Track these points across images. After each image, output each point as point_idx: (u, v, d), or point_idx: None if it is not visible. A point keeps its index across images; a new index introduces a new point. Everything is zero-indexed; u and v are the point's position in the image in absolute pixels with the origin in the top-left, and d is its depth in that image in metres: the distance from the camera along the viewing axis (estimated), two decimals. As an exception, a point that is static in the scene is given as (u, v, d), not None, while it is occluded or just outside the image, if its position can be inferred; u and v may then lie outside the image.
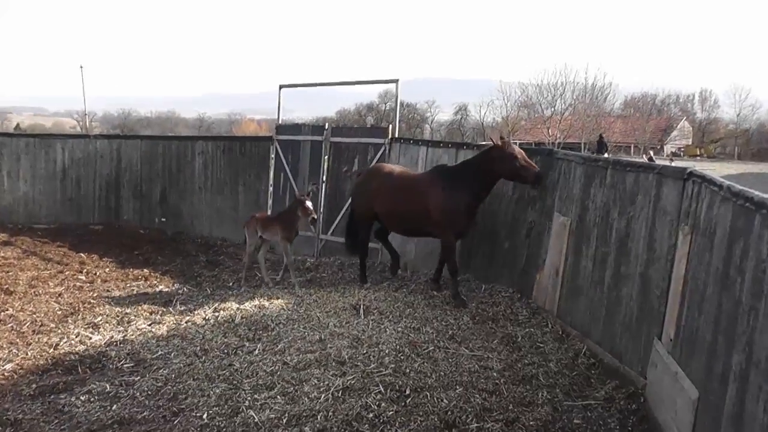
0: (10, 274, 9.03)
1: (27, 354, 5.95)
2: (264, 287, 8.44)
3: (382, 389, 4.80)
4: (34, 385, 5.20)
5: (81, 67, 44.11)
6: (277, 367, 5.30)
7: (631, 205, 5.17)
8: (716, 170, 27.84)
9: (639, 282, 4.93)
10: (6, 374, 5.46)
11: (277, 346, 5.83)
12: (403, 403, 4.61)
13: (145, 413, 4.62)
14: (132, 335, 6.42)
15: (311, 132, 11.42)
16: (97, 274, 9.37)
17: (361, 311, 6.77)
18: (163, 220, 13.41)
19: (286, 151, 11.61)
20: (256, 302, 7.37)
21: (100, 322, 6.89)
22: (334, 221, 10.66)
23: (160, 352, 5.86)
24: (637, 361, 4.86)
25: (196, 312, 7.13)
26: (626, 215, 5.23)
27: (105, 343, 6.21)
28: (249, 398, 4.73)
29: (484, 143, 11.02)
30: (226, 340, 6.08)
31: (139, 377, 5.29)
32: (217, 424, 4.40)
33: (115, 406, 4.75)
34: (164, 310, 7.33)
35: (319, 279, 9.12)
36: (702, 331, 3.62)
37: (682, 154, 59.90)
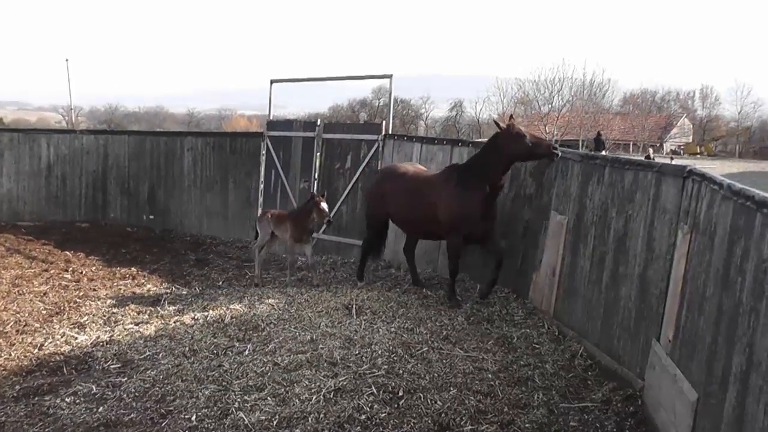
0: (-6, 272, 8.88)
1: (10, 355, 5.86)
2: (253, 287, 8.35)
3: (374, 391, 4.76)
4: (17, 387, 5.13)
5: (66, 60, 43.64)
6: (267, 368, 5.24)
7: (629, 203, 5.11)
8: (717, 169, 27.97)
9: (637, 282, 4.88)
10: (-12, 375, 5.36)
11: (268, 347, 5.77)
12: (396, 405, 4.57)
13: (132, 415, 4.56)
14: (119, 335, 6.34)
15: (303, 128, 11.34)
16: (84, 272, 9.26)
17: (354, 311, 6.70)
18: (151, 217, 13.27)
19: (277, 147, 11.49)
20: (246, 302, 7.29)
21: (86, 322, 6.81)
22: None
23: (147, 353, 5.78)
24: (635, 363, 4.82)
25: (184, 312, 7.05)
26: (625, 214, 5.17)
27: (91, 344, 6.13)
28: (239, 400, 4.68)
29: (480, 140, 10.94)
30: (215, 340, 6.01)
31: (126, 378, 5.22)
32: (206, 426, 4.35)
33: (101, 408, 4.68)
34: (152, 309, 7.24)
35: (311, 278, 9.03)
36: (702, 332, 3.58)
37: (682, 152, 59.63)
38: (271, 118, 12.37)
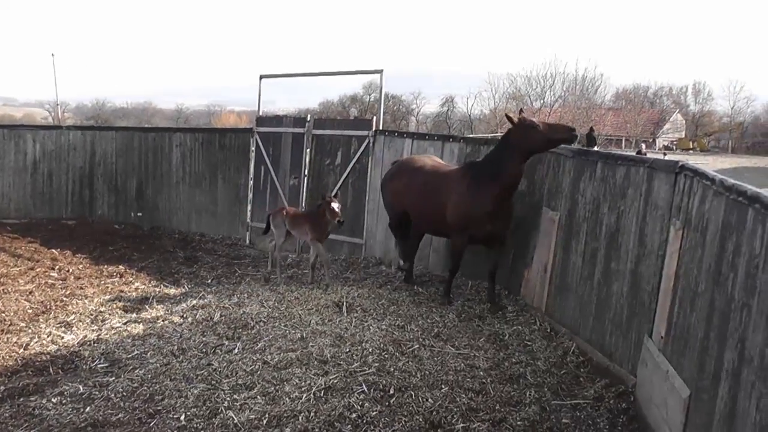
0: (-22, 270, 8.73)
1: (-5, 355, 5.74)
2: (244, 284, 8.28)
3: (365, 389, 4.72)
4: (2, 387, 5.04)
5: (52, 55, 43.38)
6: (257, 367, 5.19)
7: (621, 199, 5.10)
8: (709, 164, 28.14)
9: (629, 278, 4.87)
10: (-28, 376, 5.26)
11: (258, 345, 5.71)
12: (387, 403, 4.54)
13: (120, 415, 4.50)
14: (106, 334, 6.25)
15: (293, 124, 11.24)
16: (70, 270, 9.12)
17: (344, 309, 6.65)
18: (139, 214, 13.13)
19: (266, 143, 11.40)
20: (236, 300, 7.22)
21: (73, 321, 6.70)
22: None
23: (135, 352, 5.71)
24: (627, 359, 4.81)
25: (173, 310, 6.97)
26: (616, 210, 5.17)
27: (78, 343, 6.04)
28: (228, 399, 4.63)
29: (471, 136, 10.89)
30: (204, 338, 5.94)
31: (113, 378, 5.14)
32: (195, 425, 4.30)
33: (88, 408, 4.61)
34: (140, 308, 7.16)
35: (301, 275, 8.99)
36: (694, 329, 3.58)
37: (674, 147, 59.66)
38: (261, 113, 12.26)
